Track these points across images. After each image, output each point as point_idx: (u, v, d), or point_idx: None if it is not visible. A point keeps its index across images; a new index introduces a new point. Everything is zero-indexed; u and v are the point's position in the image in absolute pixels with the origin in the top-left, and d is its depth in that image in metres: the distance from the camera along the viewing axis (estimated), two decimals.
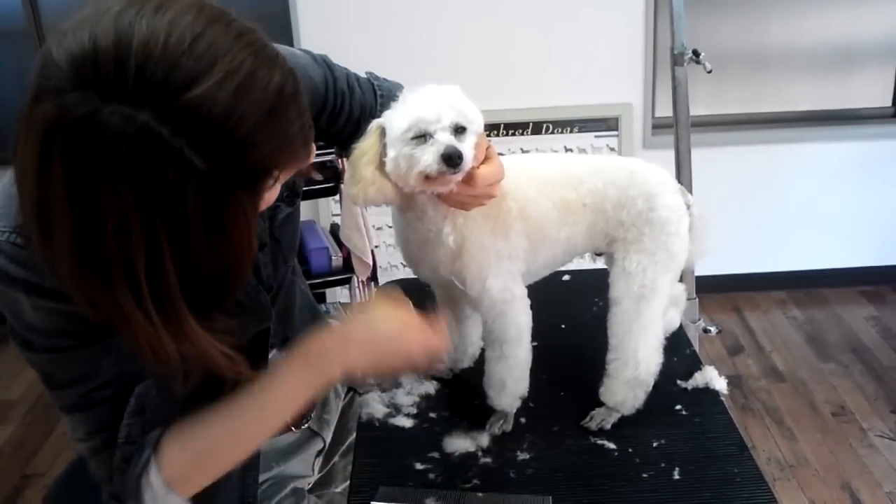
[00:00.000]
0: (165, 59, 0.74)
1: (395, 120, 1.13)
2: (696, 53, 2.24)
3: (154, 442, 1.01)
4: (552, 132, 3.55)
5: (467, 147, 1.12)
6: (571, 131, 3.55)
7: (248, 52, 0.79)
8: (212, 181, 0.77)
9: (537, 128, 3.54)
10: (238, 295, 0.91)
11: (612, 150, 3.57)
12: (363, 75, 1.34)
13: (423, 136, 1.11)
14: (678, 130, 2.39)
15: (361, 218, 3.02)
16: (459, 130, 1.13)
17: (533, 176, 1.31)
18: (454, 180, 1.13)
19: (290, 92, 0.83)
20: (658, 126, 3.57)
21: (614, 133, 3.56)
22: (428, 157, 1.10)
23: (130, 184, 0.75)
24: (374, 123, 1.17)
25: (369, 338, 1.08)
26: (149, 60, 0.74)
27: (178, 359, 0.88)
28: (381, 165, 1.15)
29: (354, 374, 1.11)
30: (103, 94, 0.74)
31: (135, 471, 1.00)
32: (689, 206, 1.35)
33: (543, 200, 1.29)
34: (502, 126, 3.52)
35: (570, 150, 3.56)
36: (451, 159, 1.09)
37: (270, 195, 0.89)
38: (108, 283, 0.80)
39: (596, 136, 3.56)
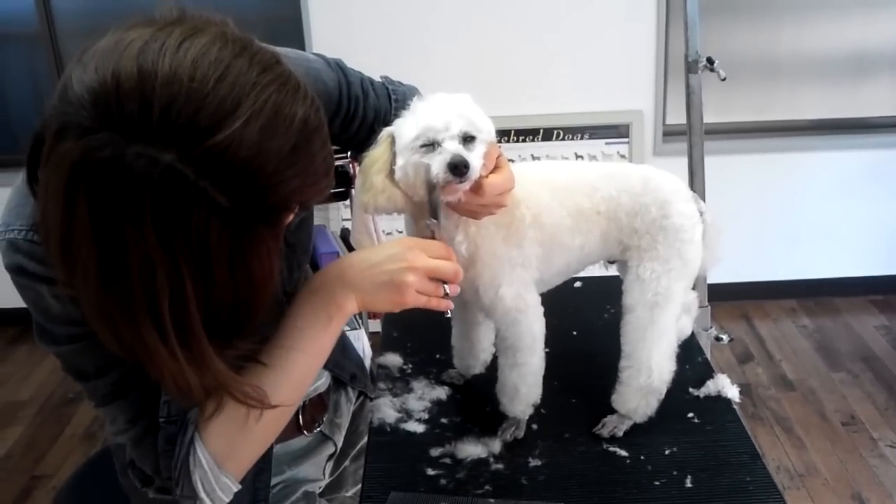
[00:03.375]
0: (190, 101, 0.74)
1: (405, 128, 1.13)
2: (710, 61, 2.24)
3: (195, 419, 1.01)
4: (562, 139, 3.54)
5: (475, 156, 1.11)
6: (582, 138, 3.55)
7: (272, 89, 0.78)
8: (235, 218, 0.78)
9: (548, 134, 3.54)
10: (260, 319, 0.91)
11: (622, 157, 3.56)
12: (378, 79, 1.34)
13: (431, 145, 1.11)
14: (692, 138, 2.39)
15: (372, 223, 3.02)
16: (468, 139, 1.13)
17: (546, 183, 1.30)
18: (461, 189, 1.13)
19: (314, 125, 0.82)
20: (669, 133, 3.57)
21: (625, 140, 3.56)
22: (435, 166, 1.10)
23: (155, 225, 0.75)
24: (385, 132, 1.17)
25: (367, 257, 1.07)
26: (173, 103, 0.73)
27: (200, 390, 0.88)
28: (392, 174, 1.15)
29: (371, 304, 1.05)
30: (127, 134, 0.73)
31: (181, 452, 1.01)
32: (702, 214, 1.35)
33: (557, 208, 1.28)
34: (512, 132, 3.52)
35: (581, 157, 3.56)
36: (458, 168, 1.09)
37: (289, 219, 0.90)
38: (132, 319, 0.80)
39: (606, 143, 3.56)
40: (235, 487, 1.04)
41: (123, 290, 0.78)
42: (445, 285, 1.07)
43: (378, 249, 1.08)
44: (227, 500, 1.04)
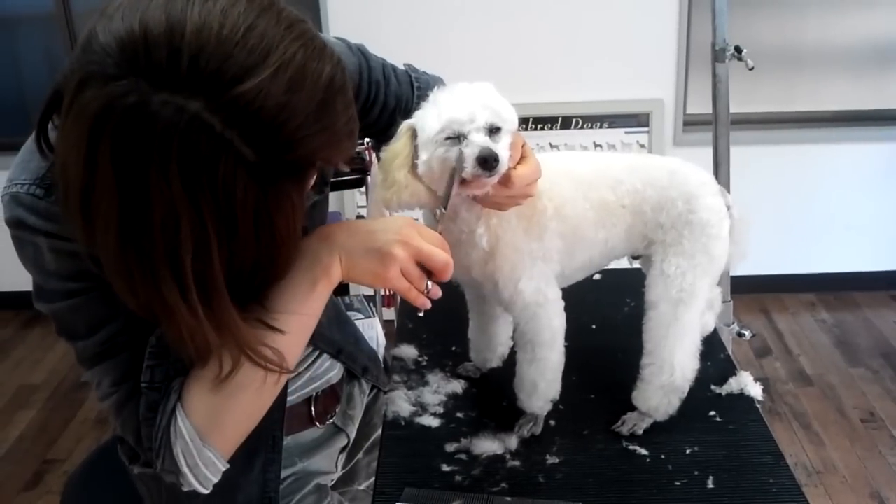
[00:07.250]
0: (219, 49, 0.74)
1: (427, 121, 1.10)
2: (738, 50, 2.19)
3: (179, 388, 0.98)
4: (582, 127, 3.51)
5: (503, 147, 1.09)
6: (601, 126, 3.51)
7: (299, 44, 0.78)
8: (260, 171, 0.77)
9: (567, 122, 3.50)
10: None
11: (642, 146, 3.52)
12: (401, 67, 1.31)
13: (456, 138, 1.09)
14: (717, 129, 2.34)
15: (387, 211, 3.00)
16: (494, 130, 1.10)
17: (568, 174, 1.27)
18: (490, 182, 1.10)
19: (340, 84, 0.82)
20: (690, 123, 3.53)
21: (645, 129, 3.51)
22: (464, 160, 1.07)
23: (181, 174, 0.74)
24: (405, 125, 1.14)
25: (361, 224, 1.05)
26: (203, 50, 0.73)
27: (219, 350, 0.87)
28: (414, 168, 1.12)
29: (354, 270, 1.00)
30: (154, 81, 0.73)
31: (162, 420, 0.98)
32: (729, 208, 1.32)
33: (580, 200, 1.25)
34: (531, 120, 3.49)
35: (600, 146, 3.52)
36: (488, 162, 1.06)
37: (313, 177, 0.89)
38: (153, 273, 0.79)
39: (626, 132, 3.51)
40: (221, 465, 0.99)
41: (145, 242, 0.77)
42: (429, 282, 1.02)
43: (374, 220, 1.04)
44: (214, 480, 1.00)
